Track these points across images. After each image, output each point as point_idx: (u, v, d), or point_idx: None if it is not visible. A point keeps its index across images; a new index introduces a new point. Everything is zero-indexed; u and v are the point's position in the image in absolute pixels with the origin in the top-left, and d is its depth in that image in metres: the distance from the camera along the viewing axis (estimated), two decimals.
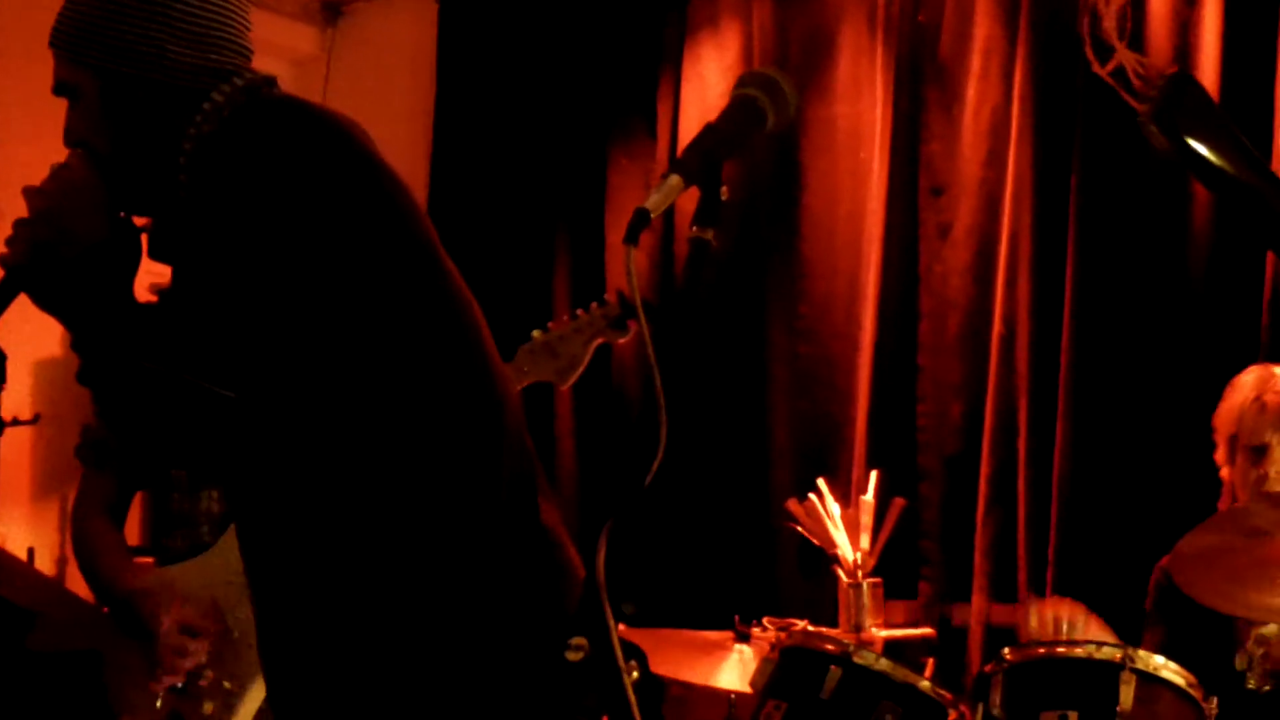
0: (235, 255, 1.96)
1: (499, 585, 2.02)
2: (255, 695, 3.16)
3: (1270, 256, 4.02)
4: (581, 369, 3.73)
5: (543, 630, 1.98)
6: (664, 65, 5.28)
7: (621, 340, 3.78)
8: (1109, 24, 4.08)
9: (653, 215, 1.64)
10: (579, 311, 3.79)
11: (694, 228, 1.71)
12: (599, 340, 3.73)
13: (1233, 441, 3.49)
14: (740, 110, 1.76)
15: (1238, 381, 3.52)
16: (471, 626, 2.00)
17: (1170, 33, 4.25)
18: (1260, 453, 3.41)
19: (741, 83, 1.79)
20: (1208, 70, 4.15)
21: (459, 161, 5.63)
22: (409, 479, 2.01)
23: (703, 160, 1.70)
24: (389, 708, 2.00)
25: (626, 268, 1.65)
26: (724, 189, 1.71)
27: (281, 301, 1.95)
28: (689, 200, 1.75)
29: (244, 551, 2.18)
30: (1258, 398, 3.43)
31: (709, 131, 1.73)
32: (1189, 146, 1.42)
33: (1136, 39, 4.26)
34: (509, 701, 2.00)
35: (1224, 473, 3.54)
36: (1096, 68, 4.16)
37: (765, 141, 4.93)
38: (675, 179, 1.67)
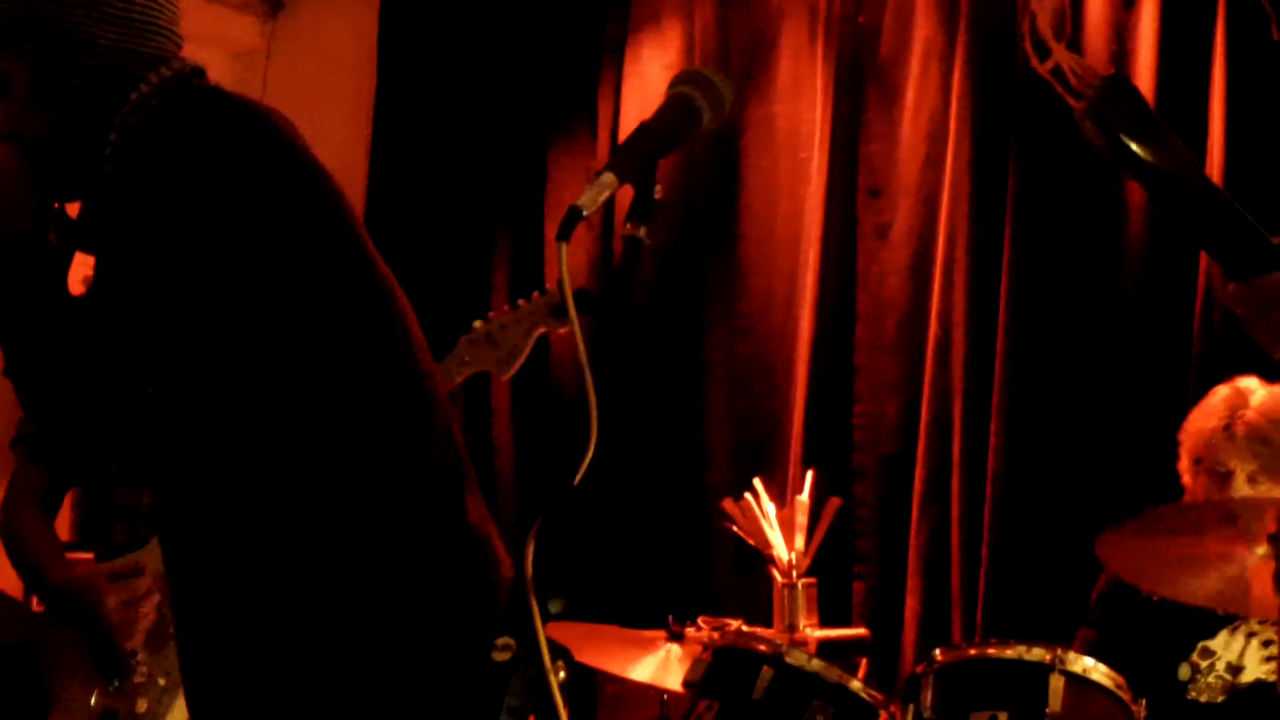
0: (158, 246, 1.94)
1: (424, 584, 2.01)
2: (181, 703, 3.13)
3: (1203, 260, 4.05)
4: (522, 359, 3.71)
5: (468, 630, 1.97)
6: (605, 63, 5.27)
7: (563, 330, 3.76)
8: (1044, 24, 4.11)
9: (586, 213, 1.63)
10: (520, 301, 3.77)
11: (628, 225, 1.70)
12: (540, 330, 3.72)
13: (1197, 462, 3.48)
14: (675, 109, 1.75)
15: (1208, 404, 3.46)
16: (395, 625, 1.98)
17: (1107, 37, 4.28)
18: (1225, 479, 3.40)
19: (677, 81, 1.78)
20: (1143, 73, 4.18)
21: (399, 156, 5.61)
22: (333, 474, 1.99)
23: (637, 158, 1.69)
24: (309, 706, 1.98)
25: (560, 264, 1.64)
26: (658, 187, 1.71)
27: (203, 293, 1.93)
28: (628, 197, 1.74)
29: (164, 547, 2.16)
30: (1227, 426, 3.40)
31: (643, 130, 1.73)
32: (1123, 144, 1.43)
33: (1074, 42, 4.30)
34: (434, 701, 1.98)
35: (1185, 479, 3.54)
36: (1035, 63, 4.19)
37: (706, 140, 4.95)
38: (609, 176, 1.66)
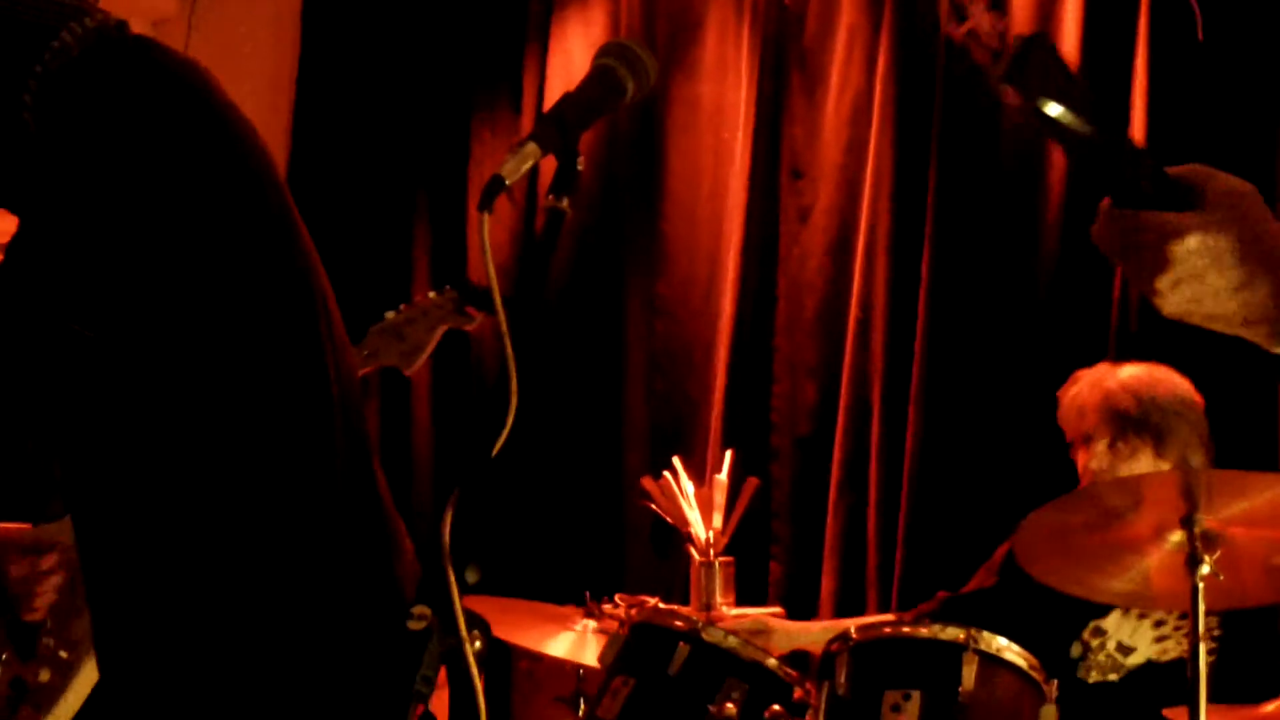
0: (78, 200, 1.91)
1: (332, 553, 1.99)
2: (90, 669, 3.10)
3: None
4: (425, 355, 3.68)
5: (379, 600, 1.96)
6: (530, 38, 5.25)
7: (468, 327, 3.74)
8: None
9: (508, 182, 1.63)
10: (430, 294, 3.74)
11: (550, 197, 1.69)
12: (445, 326, 3.69)
13: (1073, 439, 3.57)
14: (599, 80, 1.75)
15: (1072, 379, 3.60)
16: (306, 595, 1.97)
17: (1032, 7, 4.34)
18: (1088, 445, 3.50)
19: (601, 53, 1.78)
20: (1069, 36, 4.24)
21: (320, 128, 5.55)
22: (241, 443, 1.97)
23: (560, 129, 1.69)
24: (223, 677, 1.96)
25: (480, 234, 1.63)
26: (581, 159, 1.70)
27: (122, 250, 1.90)
28: (550, 174, 1.74)
29: (75, 519, 2.13)
30: (1081, 394, 3.54)
31: (567, 101, 1.72)
32: (1042, 108, 1.44)
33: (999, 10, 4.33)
34: (347, 671, 1.97)
35: (1080, 468, 3.61)
36: (951, 27, 4.22)
37: (629, 118, 4.95)
38: (531, 146, 1.66)
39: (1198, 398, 3.50)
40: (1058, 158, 4.28)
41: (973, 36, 1.54)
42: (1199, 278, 1.48)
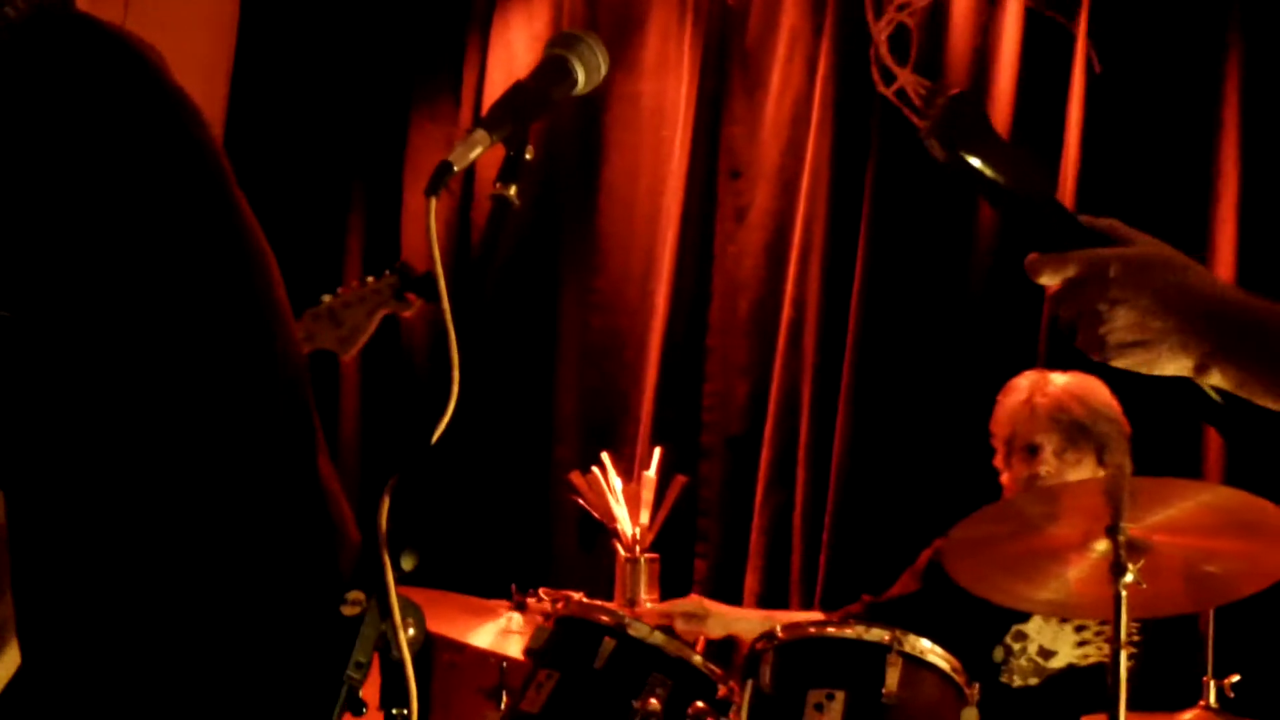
0: (17, 173, 1.89)
1: (269, 535, 1.98)
2: (13, 652, 3.05)
3: None
4: (364, 339, 3.66)
5: (315, 584, 1.94)
6: (471, 29, 5.24)
7: (406, 313, 3.72)
8: (885, 52, 4.21)
9: (456, 168, 1.62)
10: (368, 279, 3.72)
11: (497, 184, 1.69)
12: (383, 311, 3.67)
13: (1009, 444, 3.59)
14: (550, 70, 1.74)
15: (1012, 385, 3.62)
16: (239, 577, 1.95)
17: (971, 34, 4.37)
18: (1033, 453, 3.52)
19: (553, 43, 1.77)
20: (1005, 73, 4.28)
21: (257, 113, 5.50)
22: (179, 419, 1.95)
23: (510, 116, 1.68)
24: (151, 659, 1.94)
25: (427, 220, 1.62)
26: (530, 148, 1.70)
27: (64, 221, 1.88)
28: (487, 167, 1.73)
29: (6, 503, 2.10)
30: (1029, 399, 3.54)
31: (518, 89, 1.71)
32: (964, 160, 1.53)
33: (937, 40, 4.38)
34: (278, 653, 1.96)
35: (1003, 478, 3.63)
36: (881, 87, 4.29)
37: (569, 114, 4.95)
38: (480, 134, 1.65)
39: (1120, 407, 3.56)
40: None
41: (901, 96, 1.65)
42: (1135, 298, 1.54)
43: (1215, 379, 1.58)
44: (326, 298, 3.65)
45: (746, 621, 3.65)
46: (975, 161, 1.53)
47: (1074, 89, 4.19)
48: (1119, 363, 1.59)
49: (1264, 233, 3.97)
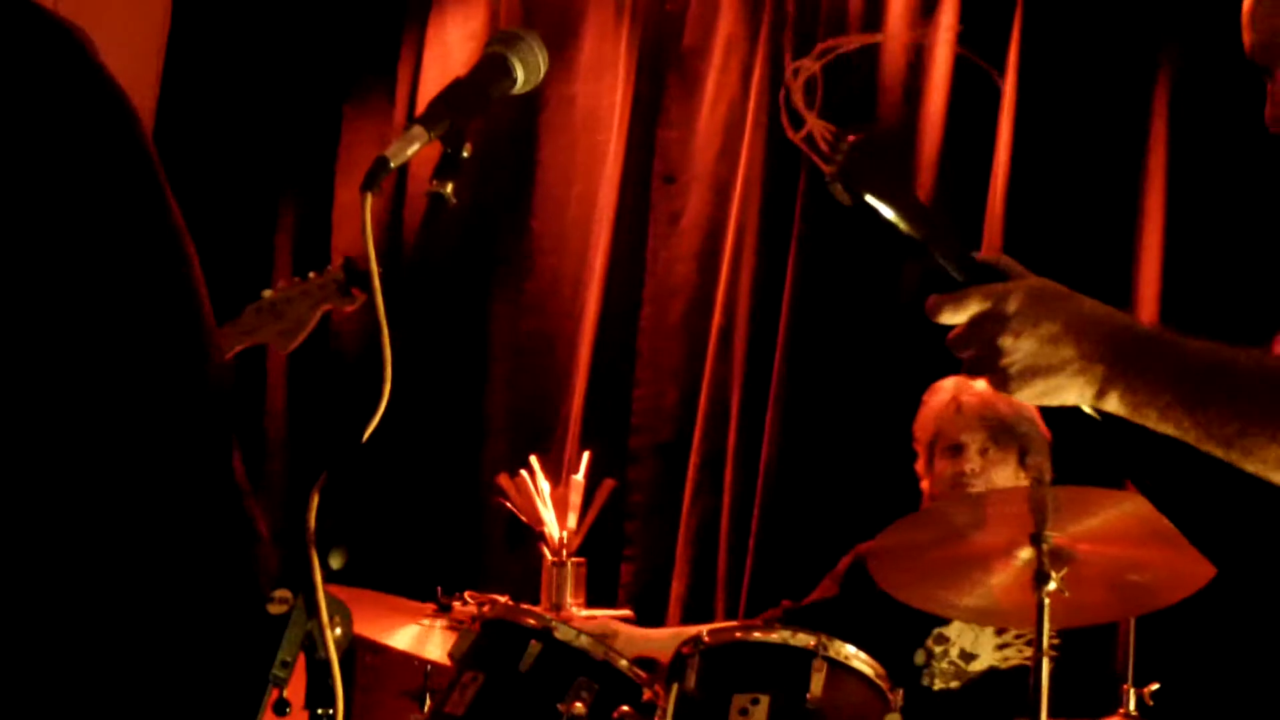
0: None
1: (189, 533, 1.96)
2: None
3: None
4: (305, 334, 3.64)
5: (232, 582, 1.92)
6: (407, 27, 5.21)
7: (349, 309, 3.70)
8: (798, 98, 4.25)
9: (393, 164, 1.61)
10: (310, 274, 3.69)
11: (433, 181, 1.67)
12: (326, 306, 3.65)
13: (932, 445, 3.61)
14: (490, 67, 1.73)
15: (935, 387, 3.65)
16: (157, 574, 1.93)
17: (904, 48, 4.41)
18: (958, 452, 3.54)
19: (493, 40, 1.76)
20: (936, 91, 4.32)
21: (188, 107, 5.45)
22: (101, 415, 1.92)
23: (448, 113, 1.67)
24: (71, 658, 1.92)
25: (362, 216, 1.61)
26: (468, 146, 1.69)
27: None
28: (420, 166, 1.72)
29: None
30: (955, 398, 3.57)
31: (457, 85, 1.70)
32: (868, 205, 1.62)
33: (872, 55, 4.42)
34: (198, 652, 1.94)
35: (924, 484, 3.65)
36: (790, 133, 4.33)
37: (504, 115, 4.93)
38: (418, 129, 1.64)
39: None
40: (924, 176, 4.34)
41: (809, 141, 1.72)
42: (1035, 329, 1.59)
43: (1113, 405, 1.62)
44: (267, 292, 3.62)
45: (656, 641, 3.65)
46: (878, 205, 1.60)
47: (1002, 127, 4.23)
48: (1022, 394, 1.65)
49: (1187, 269, 4.02)
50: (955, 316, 1.67)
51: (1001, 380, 1.64)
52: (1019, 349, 1.62)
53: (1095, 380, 1.62)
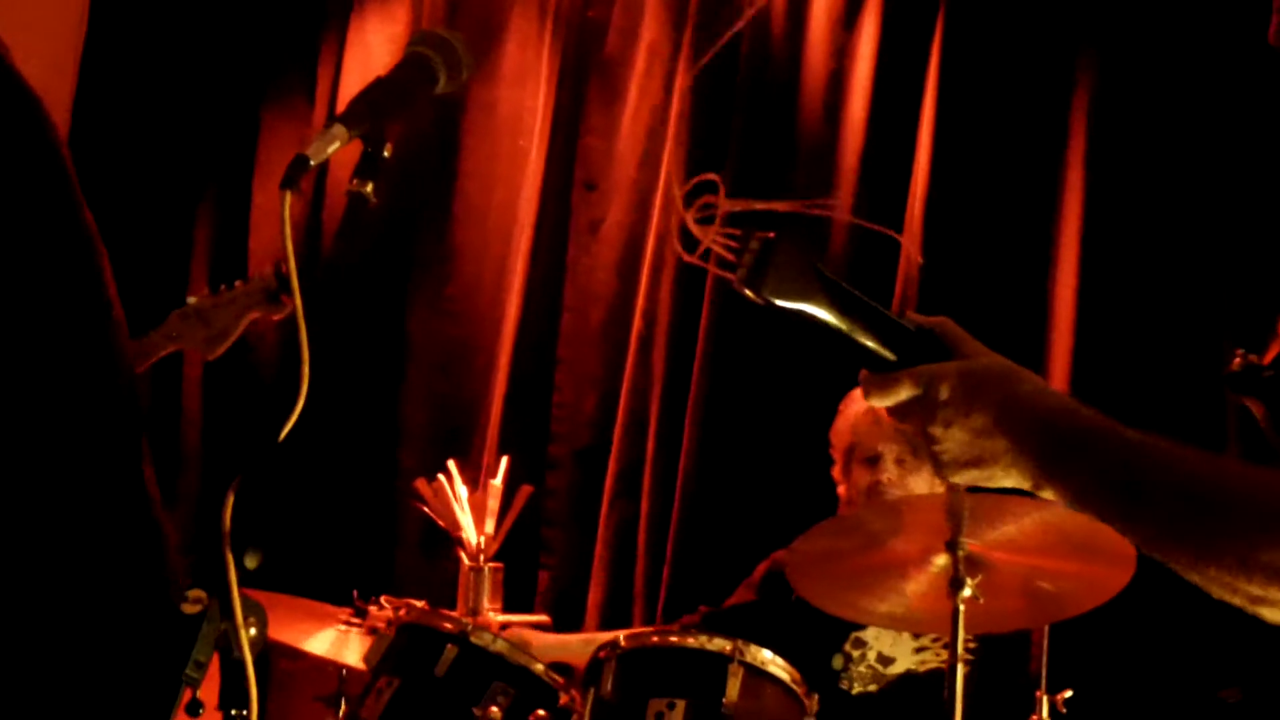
0: None
1: (100, 536, 1.93)
2: None
3: (900, 280, 4.21)
4: (231, 341, 3.62)
5: (142, 583, 1.90)
6: (328, 28, 5.18)
7: (277, 316, 3.68)
8: (691, 221, 4.25)
9: (313, 162, 1.60)
10: (236, 282, 3.67)
11: (354, 181, 1.67)
12: (253, 314, 3.63)
13: (849, 454, 3.63)
14: (412, 67, 1.73)
15: (852, 396, 3.66)
16: (66, 576, 1.91)
17: (827, 55, 4.44)
18: (874, 462, 3.56)
19: (416, 40, 1.76)
20: (858, 98, 4.36)
21: (105, 106, 5.39)
22: (8, 420, 1.90)
23: (369, 112, 1.66)
24: None
25: (281, 215, 1.60)
26: (389, 146, 1.68)
27: None
28: (340, 167, 1.72)
29: None
30: (871, 408, 3.58)
31: (378, 84, 1.70)
32: (778, 307, 1.58)
33: (795, 63, 4.44)
34: (109, 653, 1.92)
35: (841, 490, 3.67)
36: (685, 255, 4.34)
37: (425, 119, 4.92)
38: (338, 129, 1.64)
39: None
40: (844, 187, 4.37)
41: (708, 257, 1.67)
42: (966, 419, 1.56)
43: (1050, 496, 1.58)
44: (192, 298, 3.60)
45: (571, 647, 3.64)
46: (791, 305, 1.57)
47: (921, 136, 4.27)
48: (957, 480, 1.60)
49: (1103, 276, 4.07)
50: (885, 401, 1.62)
51: (935, 466, 1.61)
52: (950, 439, 1.58)
53: (1027, 475, 1.58)
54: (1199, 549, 1.51)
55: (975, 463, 1.59)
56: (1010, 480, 1.59)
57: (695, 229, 1.64)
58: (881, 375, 1.60)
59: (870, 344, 1.62)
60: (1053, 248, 4.12)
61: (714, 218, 1.63)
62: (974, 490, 3.43)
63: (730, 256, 1.60)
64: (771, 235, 1.56)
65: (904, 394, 1.60)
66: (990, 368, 1.62)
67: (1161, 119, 4.07)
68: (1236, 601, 1.50)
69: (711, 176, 1.67)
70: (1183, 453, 1.56)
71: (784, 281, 1.54)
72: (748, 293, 1.56)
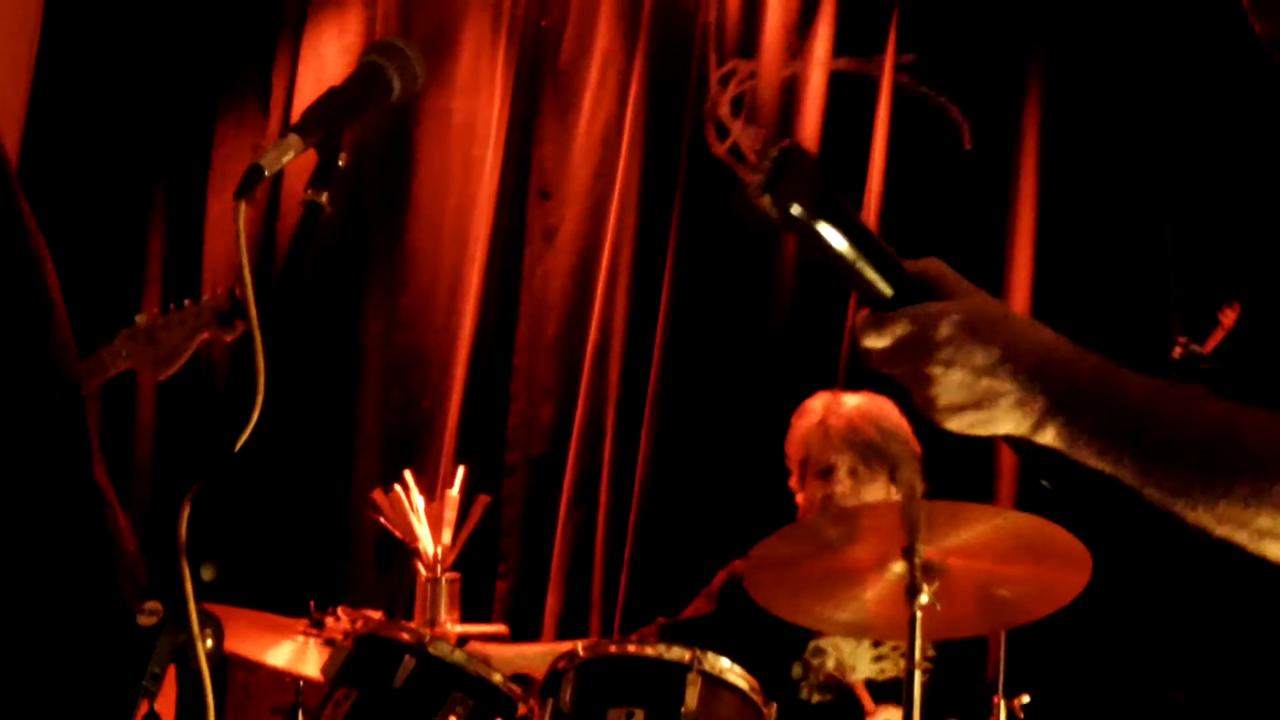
0: None
1: (52, 544, 1.92)
2: None
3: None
4: (181, 361, 3.59)
5: (92, 594, 1.89)
6: (282, 37, 5.17)
7: (229, 338, 3.65)
8: (725, 110, 4.25)
9: (267, 172, 1.59)
10: (186, 302, 3.64)
11: (309, 190, 1.66)
12: (204, 335, 3.60)
13: (803, 466, 3.63)
14: (366, 77, 1.73)
15: (805, 407, 3.67)
16: (19, 586, 1.89)
17: (781, 54, 4.46)
18: (828, 474, 3.57)
19: (370, 50, 1.76)
20: (813, 98, 4.37)
21: (58, 113, 5.35)
22: None
23: (324, 121, 1.66)
24: None
25: (235, 224, 1.60)
26: (343, 155, 1.68)
27: None
28: (293, 178, 1.71)
29: None
30: (822, 421, 3.59)
31: (332, 94, 1.70)
32: (795, 219, 1.50)
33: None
34: (61, 665, 1.90)
35: (799, 499, 3.68)
36: (714, 145, 4.35)
37: (379, 128, 4.91)
38: (293, 138, 1.63)
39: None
40: None
41: (734, 152, 1.61)
42: (966, 359, 1.52)
43: (1049, 438, 1.52)
44: (140, 317, 3.57)
45: (524, 659, 3.63)
46: (807, 219, 1.50)
47: (876, 139, 4.29)
48: (951, 425, 1.54)
49: (1057, 273, 4.10)
50: (880, 341, 1.53)
51: (928, 409, 1.52)
52: (949, 379, 1.51)
53: (1033, 414, 1.51)
54: (1212, 482, 1.48)
55: (975, 405, 1.52)
56: (1008, 425, 1.53)
57: (728, 120, 1.59)
58: (878, 314, 1.52)
59: (871, 276, 1.53)
60: (1007, 245, 4.15)
61: (742, 113, 1.59)
62: (929, 497, 3.49)
63: (752, 158, 1.55)
64: (788, 143, 1.51)
65: (900, 333, 1.53)
66: (989, 305, 1.57)
67: (1111, 115, 4.12)
68: (1241, 538, 1.47)
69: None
70: (1193, 389, 1.53)
71: (799, 191, 1.48)
72: (764, 200, 1.50)
